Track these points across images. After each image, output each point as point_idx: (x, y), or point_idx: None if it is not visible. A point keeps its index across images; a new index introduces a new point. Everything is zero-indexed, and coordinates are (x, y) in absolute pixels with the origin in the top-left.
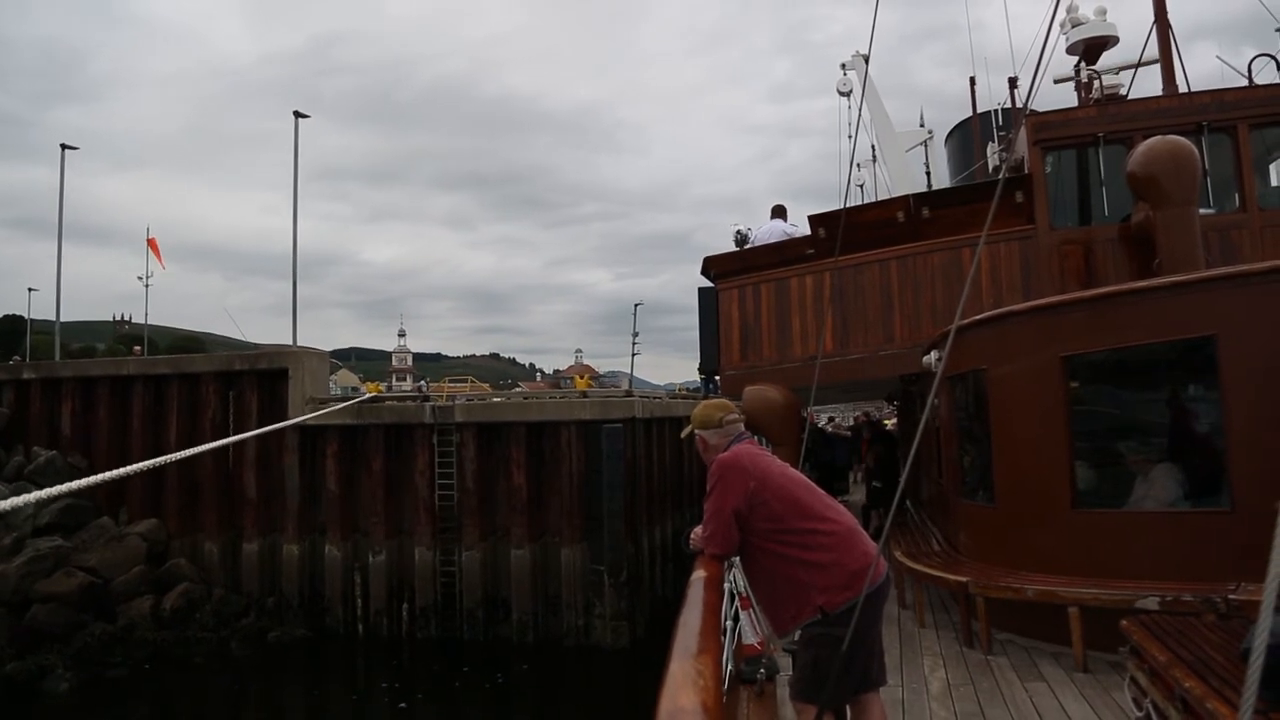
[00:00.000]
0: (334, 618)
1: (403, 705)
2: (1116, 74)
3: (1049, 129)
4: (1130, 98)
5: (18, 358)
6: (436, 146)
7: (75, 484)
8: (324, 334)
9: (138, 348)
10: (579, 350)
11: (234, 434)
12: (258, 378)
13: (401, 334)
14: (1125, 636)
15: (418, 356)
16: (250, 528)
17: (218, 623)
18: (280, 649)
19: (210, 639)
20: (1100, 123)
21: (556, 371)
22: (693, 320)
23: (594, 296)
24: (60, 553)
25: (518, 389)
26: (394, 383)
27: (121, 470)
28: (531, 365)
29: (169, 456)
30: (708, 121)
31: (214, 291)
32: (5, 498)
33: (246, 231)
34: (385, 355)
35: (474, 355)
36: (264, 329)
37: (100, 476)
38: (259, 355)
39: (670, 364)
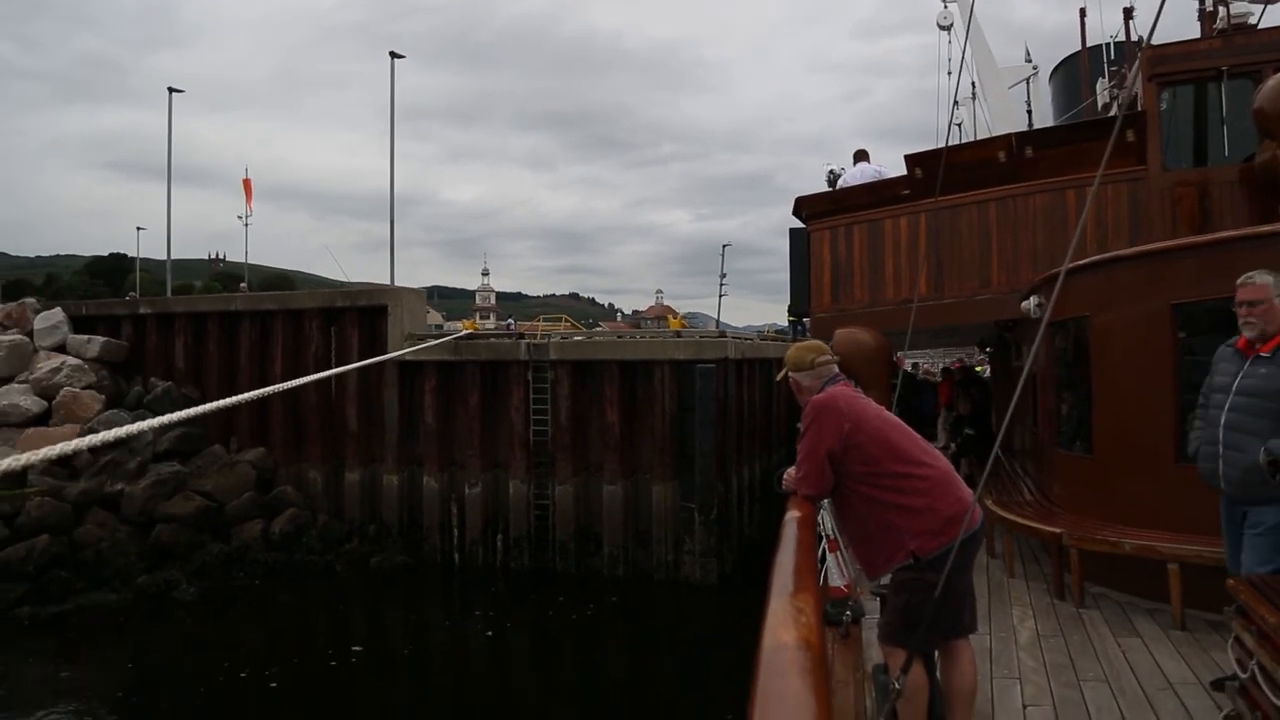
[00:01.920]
0: (432, 546)
1: (490, 633)
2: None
3: (1167, 62)
4: (1261, 27)
5: (133, 294)
6: (516, 87)
7: (195, 410)
8: (407, 272)
9: (243, 284)
10: (659, 291)
11: (336, 368)
12: (358, 314)
13: (485, 273)
14: (1231, 596)
15: (499, 296)
16: (352, 458)
17: (323, 547)
18: (381, 574)
19: (317, 562)
20: (1225, 55)
21: (636, 312)
22: (773, 262)
23: (673, 237)
24: (179, 477)
25: (598, 328)
26: (478, 320)
27: (233, 399)
28: (611, 305)
29: (277, 386)
30: (790, 59)
31: (302, 230)
32: (128, 424)
33: (331, 171)
34: (468, 294)
35: (554, 295)
36: (353, 267)
37: (216, 404)
38: (359, 293)
39: (750, 306)
